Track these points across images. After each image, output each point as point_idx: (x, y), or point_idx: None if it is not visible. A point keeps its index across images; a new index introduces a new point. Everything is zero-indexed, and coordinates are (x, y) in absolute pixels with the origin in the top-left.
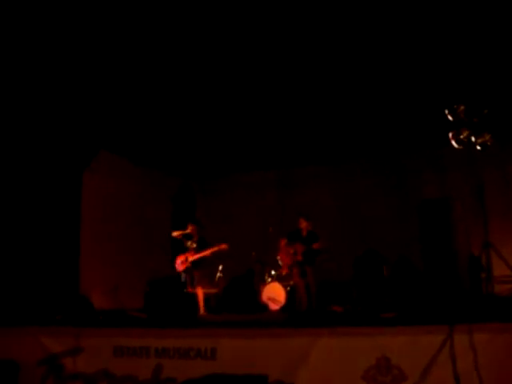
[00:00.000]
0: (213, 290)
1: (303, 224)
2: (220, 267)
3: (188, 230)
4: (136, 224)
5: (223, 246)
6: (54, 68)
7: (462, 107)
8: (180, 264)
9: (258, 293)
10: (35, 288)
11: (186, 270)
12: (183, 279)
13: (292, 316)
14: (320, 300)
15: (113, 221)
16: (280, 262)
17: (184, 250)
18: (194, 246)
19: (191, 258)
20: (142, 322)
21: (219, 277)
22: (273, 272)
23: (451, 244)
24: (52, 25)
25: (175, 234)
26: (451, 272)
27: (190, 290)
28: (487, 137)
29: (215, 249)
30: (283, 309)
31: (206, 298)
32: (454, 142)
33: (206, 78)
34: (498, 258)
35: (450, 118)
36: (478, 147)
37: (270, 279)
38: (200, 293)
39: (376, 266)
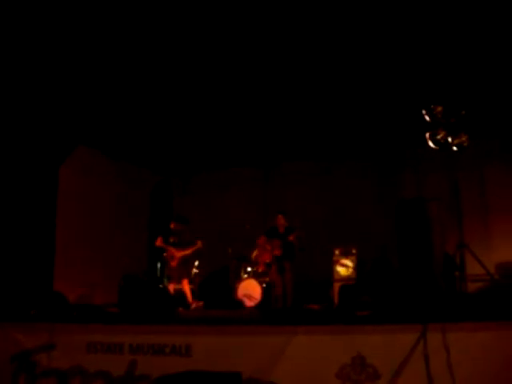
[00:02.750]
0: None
1: (281, 221)
2: (196, 263)
3: (172, 227)
4: (113, 220)
5: (199, 245)
6: (30, 62)
7: (440, 108)
8: (171, 259)
9: (233, 289)
10: (9, 283)
11: (176, 266)
12: (160, 274)
13: (267, 313)
14: (296, 298)
15: (89, 217)
16: (254, 259)
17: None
18: (177, 241)
19: (179, 255)
20: (117, 318)
21: (195, 273)
22: (249, 269)
23: (427, 243)
24: (31, 19)
25: (159, 243)
26: (426, 271)
27: (174, 285)
28: (464, 137)
29: (194, 248)
30: (259, 306)
31: (181, 293)
32: (430, 143)
33: (187, 73)
34: (472, 257)
35: (427, 118)
36: (455, 148)
37: (245, 276)
38: (187, 286)
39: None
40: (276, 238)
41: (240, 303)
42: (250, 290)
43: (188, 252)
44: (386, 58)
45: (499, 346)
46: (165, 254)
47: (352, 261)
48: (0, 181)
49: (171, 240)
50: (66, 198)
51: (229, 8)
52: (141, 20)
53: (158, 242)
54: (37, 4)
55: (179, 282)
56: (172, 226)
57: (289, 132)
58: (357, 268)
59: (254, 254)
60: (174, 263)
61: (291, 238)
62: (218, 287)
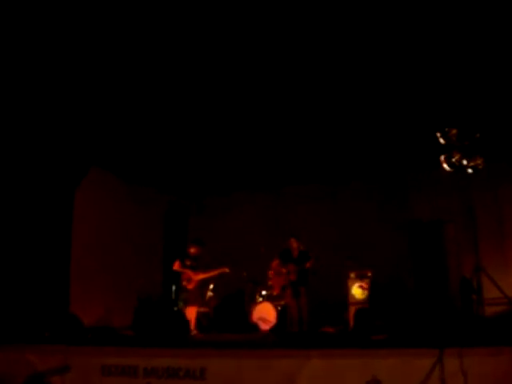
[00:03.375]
0: (203, 310)
1: (294, 244)
2: (211, 286)
3: (192, 251)
4: (127, 242)
5: (226, 270)
6: (46, 85)
7: (454, 131)
8: (187, 283)
9: (248, 313)
10: (24, 305)
11: (194, 289)
12: (175, 297)
13: (282, 337)
14: (312, 321)
15: (104, 239)
16: (270, 283)
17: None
18: (195, 264)
19: (197, 278)
20: (131, 341)
21: (210, 296)
22: (264, 292)
23: (443, 266)
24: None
25: (177, 267)
26: (442, 294)
27: (188, 308)
28: (479, 160)
29: (219, 271)
30: (274, 329)
31: (197, 317)
32: (445, 165)
33: (199, 97)
34: (489, 280)
35: (441, 141)
36: (470, 170)
37: (260, 299)
38: (194, 311)
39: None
40: (291, 263)
41: (255, 326)
42: (265, 313)
43: (208, 275)
44: (400, 80)
45: None
46: (182, 278)
47: (367, 284)
48: (17, 204)
49: (188, 263)
50: (81, 221)
51: (241, 29)
52: (156, 36)
53: (176, 266)
54: (42, 16)
55: (195, 305)
56: (192, 249)
57: (299, 155)
58: (371, 291)
59: (269, 277)
60: (191, 286)
61: (308, 265)
62: (233, 310)
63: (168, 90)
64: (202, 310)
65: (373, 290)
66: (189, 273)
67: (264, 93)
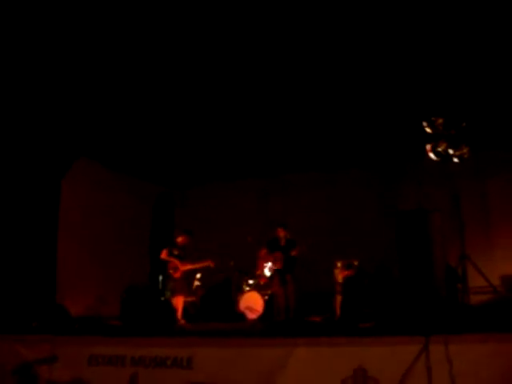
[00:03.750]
0: (190, 299)
1: (281, 233)
2: (198, 275)
3: (179, 240)
4: (115, 232)
5: (210, 264)
6: (31, 73)
7: (440, 120)
8: (174, 271)
9: (235, 302)
10: (10, 296)
11: (179, 279)
12: (162, 286)
13: (269, 325)
14: (298, 310)
15: (91, 228)
16: (258, 272)
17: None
18: (182, 254)
19: (183, 267)
20: (118, 331)
21: (197, 285)
22: (251, 281)
23: (428, 255)
24: (25, 28)
25: (164, 256)
26: (428, 283)
27: (180, 297)
28: (465, 149)
29: (204, 264)
30: (261, 318)
31: (184, 306)
32: (431, 155)
33: (188, 85)
34: (475, 269)
35: (428, 130)
36: (456, 159)
37: (247, 288)
38: (181, 301)
39: (355, 276)
40: (277, 251)
41: (242, 316)
42: (252, 302)
43: (194, 266)
44: (388, 70)
45: (502, 358)
46: (169, 267)
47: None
48: (3, 194)
49: (175, 253)
50: (67, 211)
51: (228, 19)
52: (139, 29)
53: (163, 255)
54: (34, 11)
55: (180, 294)
56: (179, 239)
57: (290, 143)
58: (358, 279)
59: (258, 267)
60: (177, 275)
61: (294, 253)
62: (220, 300)
63: (154, 80)
64: (189, 299)
65: (359, 279)
66: (175, 262)
67: (255, 78)
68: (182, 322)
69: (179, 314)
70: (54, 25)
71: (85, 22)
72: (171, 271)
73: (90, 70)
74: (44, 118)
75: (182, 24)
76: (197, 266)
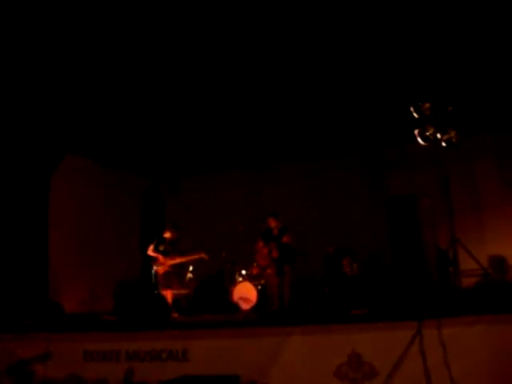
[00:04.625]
0: (183, 291)
1: (273, 223)
2: (190, 268)
3: (166, 235)
4: (106, 226)
5: (203, 255)
6: (20, 70)
7: (427, 104)
8: (158, 267)
9: (228, 293)
10: (3, 294)
11: (164, 274)
12: (155, 280)
13: (263, 315)
14: (292, 298)
15: (82, 224)
16: (255, 264)
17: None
18: (169, 249)
19: (169, 262)
20: (113, 326)
21: (189, 278)
22: (243, 272)
23: (418, 239)
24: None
25: (150, 252)
26: (419, 267)
27: (165, 291)
28: (452, 133)
29: (195, 256)
30: (255, 308)
31: (177, 299)
32: (419, 139)
33: (176, 75)
34: (465, 252)
35: (415, 115)
36: (444, 144)
37: (240, 279)
38: (168, 295)
39: (347, 263)
40: (272, 241)
41: (236, 306)
42: (246, 292)
43: (183, 260)
44: (374, 57)
45: (495, 339)
46: (154, 263)
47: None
48: None
49: (162, 248)
50: (57, 207)
51: (219, 9)
52: (131, 23)
53: (149, 251)
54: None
55: (167, 289)
56: (166, 234)
57: (279, 132)
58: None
59: (256, 261)
60: (161, 271)
61: (285, 239)
62: (213, 291)
63: (141, 72)
64: (182, 291)
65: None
66: (159, 257)
67: (244, 69)
68: (174, 314)
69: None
70: (44, 21)
71: (76, 19)
72: (155, 267)
73: (77, 65)
74: (31, 114)
75: (170, 19)
76: (188, 258)
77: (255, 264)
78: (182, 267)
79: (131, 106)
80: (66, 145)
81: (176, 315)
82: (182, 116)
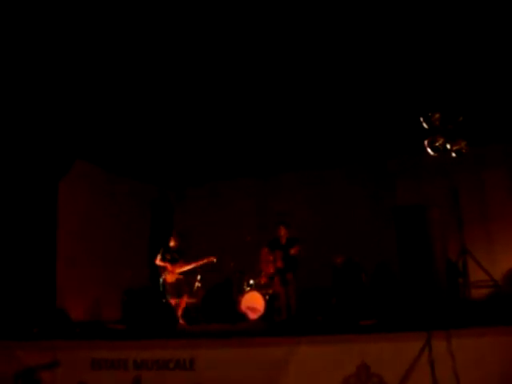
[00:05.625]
0: (191, 300)
1: (283, 231)
2: (198, 277)
3: (171, 244)
4: (114, 234)
5: (212, 259)
6: (29, 75)
7: (437, 115)
8: (165, 276)
9: (236, 302)
10: (11, 301)
11: (174, 282)
12: (163, 288)
13: (271, 325)
14: (300, 308)
15: (91, 231)
16: (263, 273)
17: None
18: (176, 257)
19: (176, 271)
20: (120, 334)
21: (197, 287)
22: (251, 281)
23: (428, 250)
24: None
25: (157, 261)
26: (429, 278)
27: (174, 300)
28: (462, 144)
29: (204, 261)
30: (262, 318)
31: (186, 308)
32: (429, 150)
33: (184, 86)
34: (475, 263)
35: (425, 125)
36: (454, 154)
37: (248, 288)
38: (182, 303)
39: (355, 273)
40: (278, 250)
41: (243, 316)
42: (253, 302)
43: (192, 266)
44: (383, 66)
45: (504, 351)
46: (162, 271)
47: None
48: (1, 198)
49: (168, 257)
50: (66, 214)
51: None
52: (137, 30)
53: (157, 261)
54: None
55: (178, 297)
56: (171, 242)
57: (287, 141)
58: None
59: (261, 268)
60: (169, 279)
61: (293, 251)
62: (221, 300)
63: (150, 81)
64: (190, 300)
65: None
66: (167, 266)
67: (252, 78)
68: (181, 322)
69: (179, 315)
70: (52, 25)
71: (84, 23)
72: (164, 276)
73: (87, 72)
74: (41, 120)
75: (180, 26)
76: (196, 264)
77: (263, 273)
78: (190, 276)
79: (142, 114)
80: (74, 151)
81: (184, 324)
82: (190, 125)
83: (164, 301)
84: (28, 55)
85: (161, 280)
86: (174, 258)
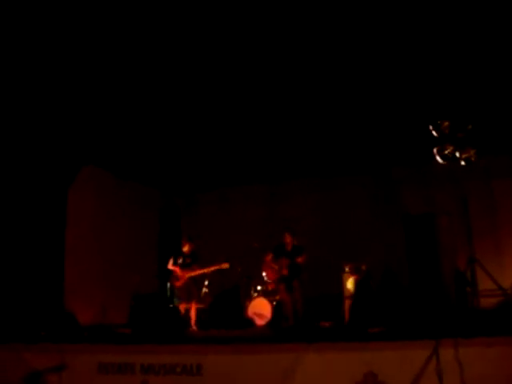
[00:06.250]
0: (199, 306)
1: (288, 239)
2: (206, 282)
3: (184, 249)
4: (122, 239)
5: (225, 265)
6: (38, 84)
7: (447, 123)
8: (174, 280)
9: (243, 308)
10: (19, 304)
11: (183, 286)
12: (170, 294)
13: (278, 331)
14: (307, 315)
15: (98, 236)
16: (265, 278)
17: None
18: (189, 261)
19: (186, 275)
20: (128, 339)
21: (205, 292)
22: (259, 287)
23: (436, 258)
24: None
25: (170, 266)
26: (437, 286)
27: (183, 305)
28: (471, 152)
29: (216, 267)
30: (269, 324)
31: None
32: (438, 158)
33: (192, 94)
34: (484, 272)
35: (434, 133)
36: (463, 162)
37: (256, 294)
38: (194, 308)
39: (363, 281)
40: (283, 257)
41: (250, 322)
42: (261, 308)
43: (203, 271)
44: (391, 73)
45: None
46: (172, 275)
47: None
48: (9, 202)
49: (180, 261)
50: (75, 219)
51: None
52: (150, 37)
53: (169, 265)
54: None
55: (188, 302)
56: (184, 247)
57: (296, 148)
58: (367, 284)
59: (263, 271)
60: (178, 284)
61: (299, 260)
62: (228, 306)
63: (160, 87)
64: (198, 306)
65: (368, 284)
66: (177, 271)
67: (260, 87)
68: (194, 328)
69: (192, 321)
70: (59, 33)
71: (90, 32)
72: (173, 280)
73: (96, 79)
74: (50, 126)
75: (184, 35)
76: (208, 270)
77: (265, 278)
78: (199, 281)
79: (151, 120)
80: (83, 157)
81: (195, 329)
82: (199, 131)
83: (171, 306)
84: (35, 63)
85: (168, 285)
86: (186, 262)
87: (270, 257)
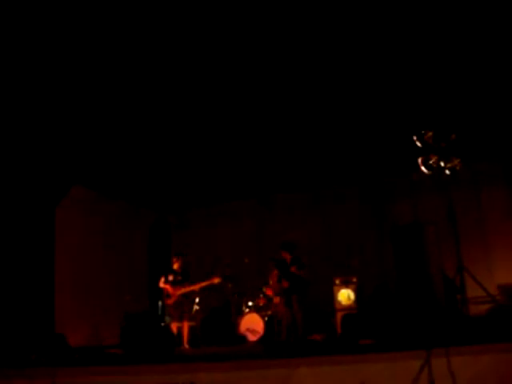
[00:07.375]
0: (191, 323)
1: (285, 255)
2: (197, 300)
3: (175, 266)
4: (112, 259)
5: (216, 280)
6: (26, 102)
7: (430, 133)
8: (167, 298)
9: (235, 324)
10: (8, 328)
11: (174, 304)
12: (161, 312)
13: (270, 347)
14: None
15: (88, 256)
16: (266, 291)
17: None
18: (180, 278)
19: (180, 292)
20: (119, 359)
21: (196, 309)
22: (250, 303)
23: (424, 268)
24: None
25: (161, 284)
26: (427, 295)
27: (175, 323)
28: (456, 161)
29: (207, 282)
30: (262, 339)
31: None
32: (423, 168)
33: (179, 112)
34: (472, 280)
35: (418, 144)
36: (447, 172)
37: (247, 310)
38: (186, 326)
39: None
40: (284, 271)
41: (243, 338)
42: (253, 324)
43: (193, 288)
44: (376, 86)
45: (504, 368)
46: (163, 294)
47: (353, 290)
48: None
49: (171, 278)
50: (63, 240)
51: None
52: (145, 48)
53: (160, 283)
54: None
55: (180, 320)
56: (174, 264)
57: (285, 162)
58: (358, 296)
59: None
60: (170, 301)
61: (292, 269)
62: (220, 323)
63: (146, 106)
64: (189, 323)
65: (359, 296)
66: (168, 288)
67: (242, 102)
68: (186, 346)
69: (184, 339)
70: (47, 43)
71: (82, 40)
72: (165, 298)
73: (86, 99)
74: (38, 146)
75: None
76: (199, 286)
77: (261, 295)
78: (190, 299)
79: (138, 139)
80: (71, 177)
81: (187, 347)
82: (188, 148)
83: (163, 324)
84: (26, 79)
85: (159, 303)
86: (178, 280)
87: (275, 273)
